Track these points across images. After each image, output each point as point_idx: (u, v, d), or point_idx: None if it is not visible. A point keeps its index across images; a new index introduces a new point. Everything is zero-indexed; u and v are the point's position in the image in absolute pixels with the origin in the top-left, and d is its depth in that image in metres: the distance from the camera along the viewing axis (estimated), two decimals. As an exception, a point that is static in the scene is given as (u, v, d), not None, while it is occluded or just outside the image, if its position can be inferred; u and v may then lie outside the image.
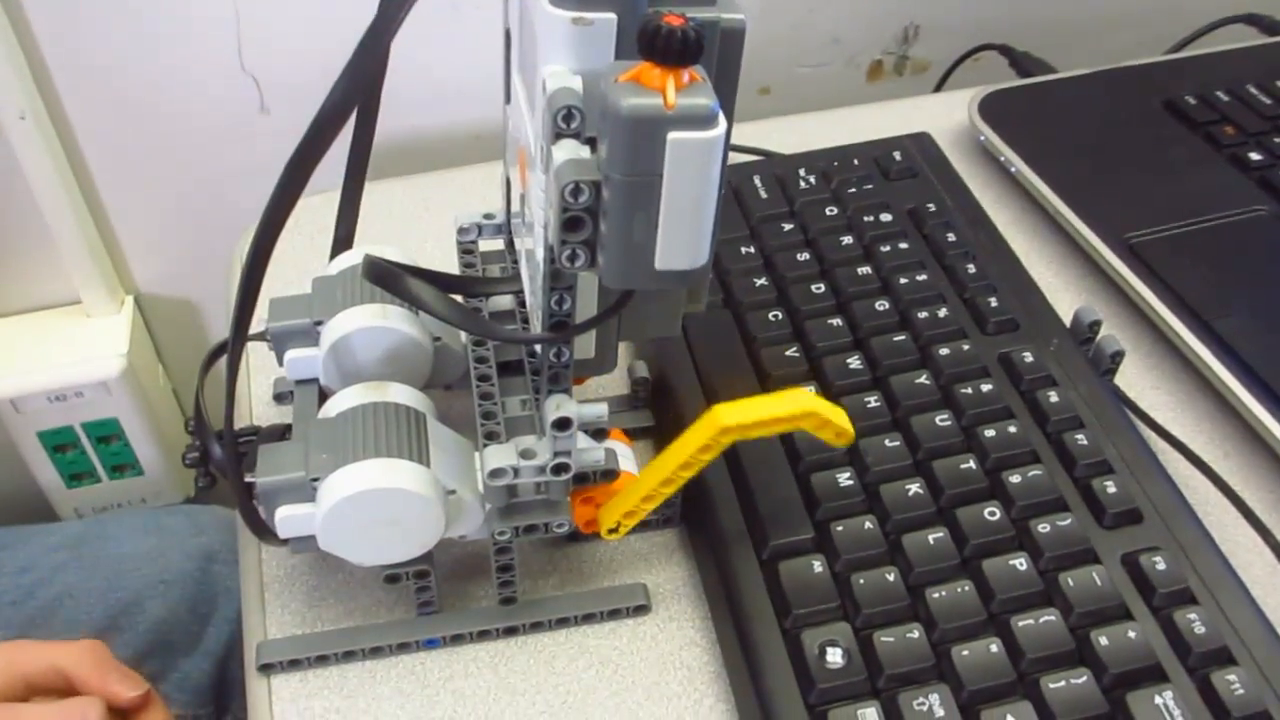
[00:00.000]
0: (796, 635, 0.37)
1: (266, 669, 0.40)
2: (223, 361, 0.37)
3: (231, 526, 0.69)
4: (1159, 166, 0.59)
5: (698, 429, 0.36)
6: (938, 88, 0.74)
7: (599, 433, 0.40)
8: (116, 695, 0.46)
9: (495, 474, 0.34)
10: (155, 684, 0.53)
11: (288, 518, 0.37)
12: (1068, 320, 0.48)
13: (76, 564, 0.68)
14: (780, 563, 0.39)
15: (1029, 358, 0.45)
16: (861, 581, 0.38)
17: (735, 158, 0.62)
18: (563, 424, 0.33)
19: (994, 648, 0.36)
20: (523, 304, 0.42)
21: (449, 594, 0.42)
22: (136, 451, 0.73)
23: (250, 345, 0.53)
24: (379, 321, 0.41)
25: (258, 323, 0.43)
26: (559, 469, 0.35)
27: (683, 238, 0.27)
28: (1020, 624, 0.36)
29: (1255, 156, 0.59)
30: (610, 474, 0.38)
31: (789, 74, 0.74)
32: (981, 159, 0.63)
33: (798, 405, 0.36)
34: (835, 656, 0.36)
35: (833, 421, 0.36)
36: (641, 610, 0.42)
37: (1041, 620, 0.36)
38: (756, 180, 0.55)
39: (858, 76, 0.76)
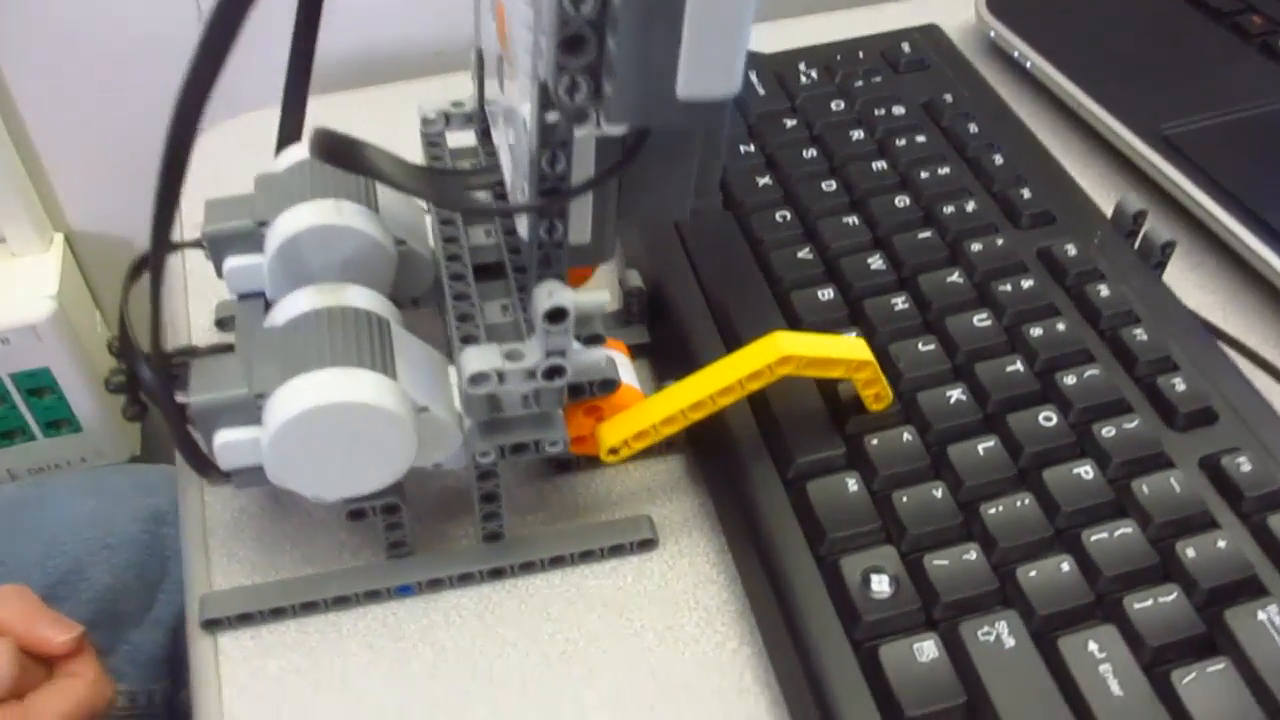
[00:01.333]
0: (834, 563, 0.32)
1: (212, 625, 0.35)
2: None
3: (181, 486, 0.63)
4: (1186, 58, 0.54)
5: (753, 353, 0.32)
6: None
7: (593, 339, 0.34)
8: (45, 640, 0.41)
9: (476, 380, 0.29)
10: (103, 658, 0.48)
11: (229, 444, 0.31)
12: (1107, 214, 0.43)
13: (10, 530, 0.62)
14: (808, 482, 0.33)
15: (1072, 251, 0.40)
16: (905, 499, 0.33)
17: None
18: (556, 315, 0.28)
19: (1065, 566, 0.31)
20: (502, 197, 0.37)
21: (424, 536, 0.37)
22: (73, 406, 0.67)
23: (190, 265, 0.47)
24: (332, 219, 0.35)
25: (193, 229, 0.37)
26: (552, 373, 0.29)
27: (713, 52, 0.22)
28: (1093, 539, 0.31)
29: (1287, 46, 0.54)
30: (609, 384, 0.32)
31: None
32: (991, 58, 0.57)
33: (859, 353, 0.33)
34: (881, 585, 0.31)
35: (881, 381, 0.34)
36: (647, 545, 0.36)
37: (1117, 533, 0.32)
38: (752, 76, 0.49)
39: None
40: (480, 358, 0.29)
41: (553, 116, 0.25)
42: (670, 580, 0.36)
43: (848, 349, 0.33)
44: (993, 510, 0.32)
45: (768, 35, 0.59)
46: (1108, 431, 0.34)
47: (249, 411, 0.31)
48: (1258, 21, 0.56)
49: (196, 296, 0.45)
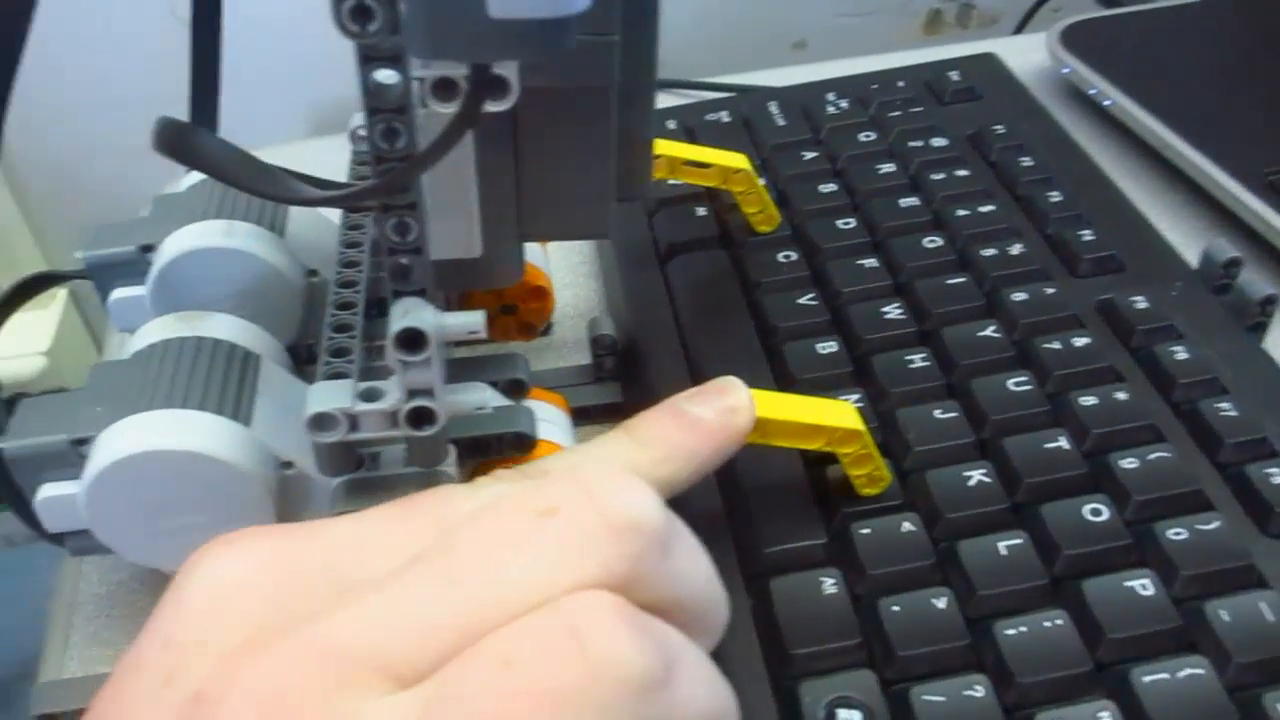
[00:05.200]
0: (792, 690, 0.24)
1: (47, 723, 0.28)
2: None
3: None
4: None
5: None
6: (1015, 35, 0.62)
7: (515, 388, 0.28)
8: None
9: (319, 423, 0.23)
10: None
11: (51, 500, 0.26)
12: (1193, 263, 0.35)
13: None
14: (772, 579, 0.26)
15: (1141, 304, 0.32)
16: (895, 609, 0.25)
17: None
18: (411, 341, 0.21)
19: (1106, 717, 0.23)
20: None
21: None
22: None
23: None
24: (219, 241, 0.29)
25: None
26: (419, 417, 0.23)
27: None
28: (1147, 680, 0.23)
29: None
30: (521, 440, 0.26)
31: (829, 25, 0.63)
32: (1065, 98, 0.50)
33: (845, 420, 0.26)
34: (851, 723, 0.23)
35: (874, 457, 0.27)
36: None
37: (1182, 674, 0.23)
38: (772, 107, 0.43)
39: (912, 27, 0.64)
40: (326, 395, 0.23)
41: (385, 75, 0.19)
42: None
43: (834, 416, 0.26)
44: (1012, 631, 0.24)
45: (808, 73, 0.53)
46: (1176, 534, 0.26)
47: (73, 461, 0.25)
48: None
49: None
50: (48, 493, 0.26)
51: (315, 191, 0.20)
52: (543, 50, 0.16)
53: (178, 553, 0.26)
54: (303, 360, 0.32)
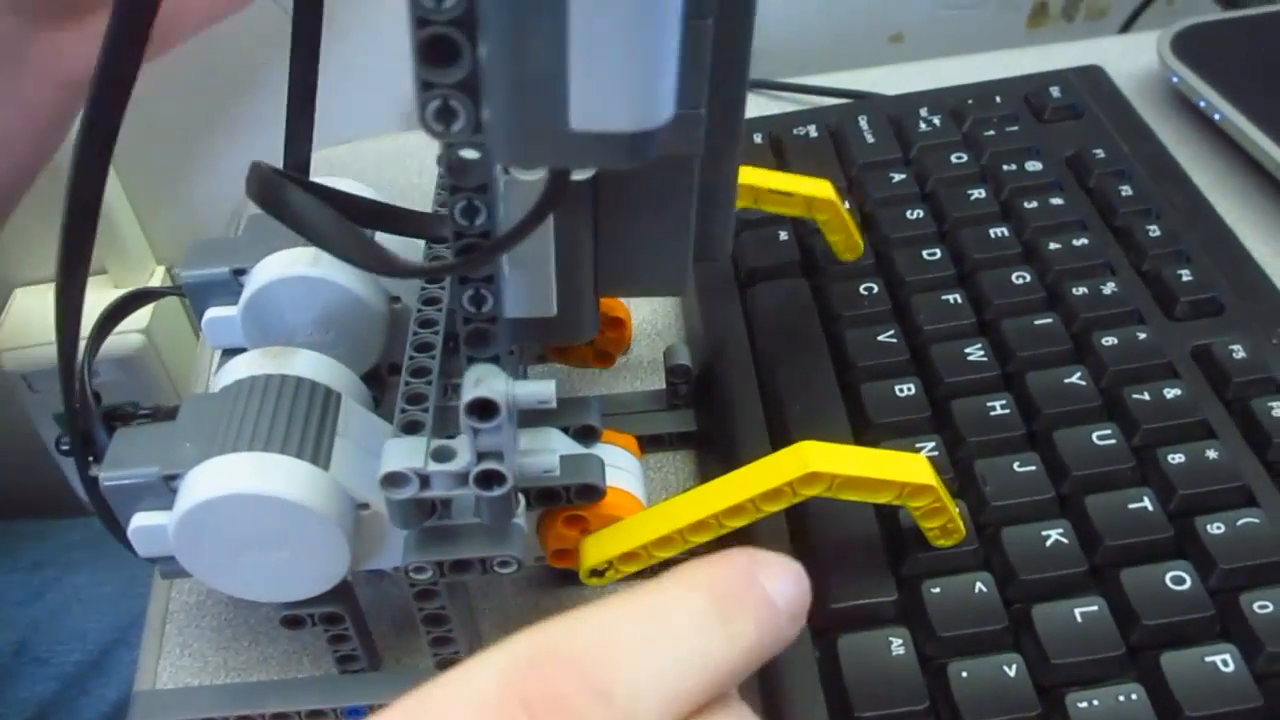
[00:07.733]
0: (856, 753, 0.24)
1: (140, 731, 0.30)
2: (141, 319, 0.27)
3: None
4: None
5: (772, 467, 0.25)
6: (1123, 31, 0.60)
7: (587, 432, 0.28)
8: None
9: (393, 481, 0.23)
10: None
11: (143, 529, 0.27)
12: (1299, 305, 0.33)
13: (91, 564, 0.61)
14: (840, 637, 0.26)
15: (1240, 353, 0.31)
16: (964, 675, 0.25)
17: (829, 101, 0.49)
18: (482, 409, 0.22)
19: (1177, 804, 0.22)
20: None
21: (395, 645, 0.31)
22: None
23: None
24: (307, 269, 0.30)
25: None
26: (488, 479, 0.23)
27: (614, 66, 0.15)
28: (1223, 767, 0.23)
29: None
30: (590, 491, 0.26)
31: (929, 17, 0.61)
32: (1173, 108, 0.48)
33: (915, 473, 0.25)
34: (913, 795, 0.23)
35: (948, 509, 0.26)
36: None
37: (1260, 764, 0.23)
38: (862, 122, 0.42)
39: (1016, 21, 0.62)
40: (401, 454, 0.23)
41: (468, 152, 0.19)
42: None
43: (903, 470, 0.26)
44: (1085, 704, 0.24)
45: (915, 77, 0.51)
46: (1262, 607, 0.25)
47: (163, 493, 0.26)
48: None
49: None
50: (140, 522, 0.27)
51: (399, 265, 0.21)
52: (624, 158, 0.16)
53: (260, 584, 0.27)
54: (385, 376, 0.32)
